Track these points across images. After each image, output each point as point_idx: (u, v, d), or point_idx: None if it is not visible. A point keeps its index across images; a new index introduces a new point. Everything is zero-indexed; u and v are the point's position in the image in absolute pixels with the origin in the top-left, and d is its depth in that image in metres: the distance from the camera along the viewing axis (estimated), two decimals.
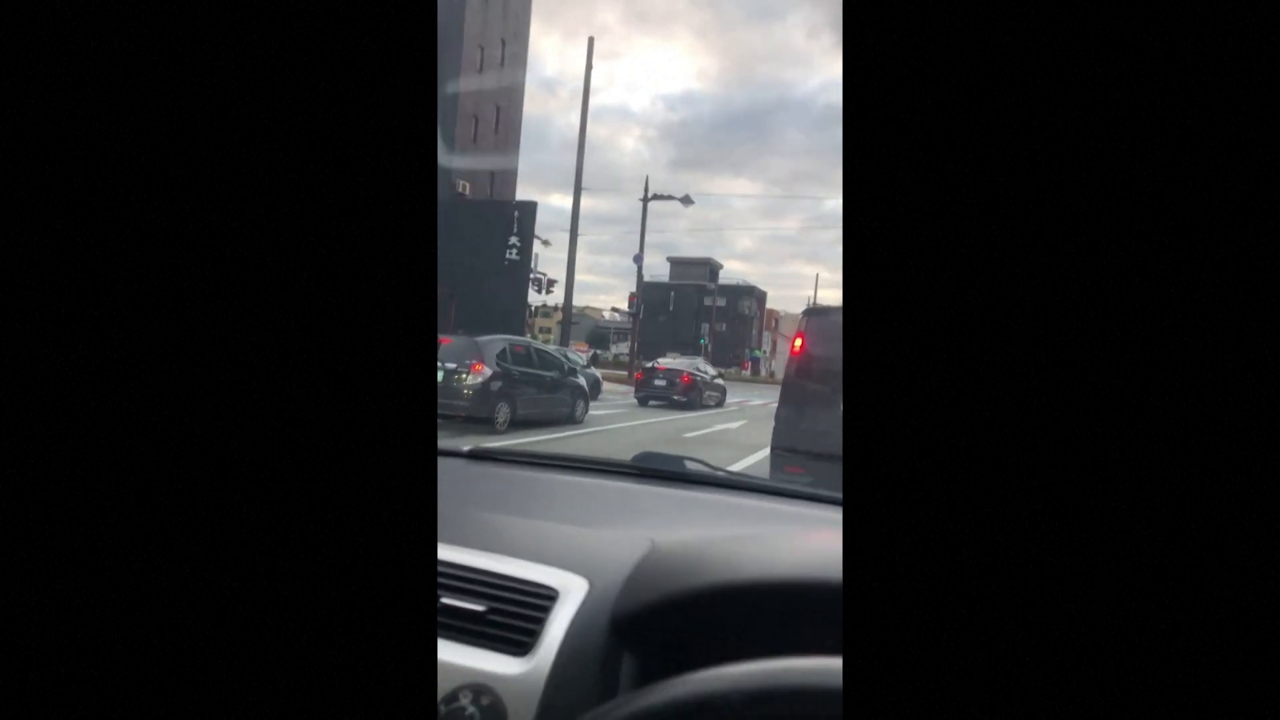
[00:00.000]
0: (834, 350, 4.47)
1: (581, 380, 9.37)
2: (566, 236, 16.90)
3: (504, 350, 7.82)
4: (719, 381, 14.69)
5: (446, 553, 0.76)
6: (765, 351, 53.61)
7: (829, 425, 4.26)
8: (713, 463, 1.31)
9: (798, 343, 4.55)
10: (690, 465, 1.29)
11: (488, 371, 7.36)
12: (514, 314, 17.93)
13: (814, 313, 4.82)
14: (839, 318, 4.70)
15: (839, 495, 1.24)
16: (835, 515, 1.13)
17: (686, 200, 19.22)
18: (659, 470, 1.24)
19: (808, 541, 0.83)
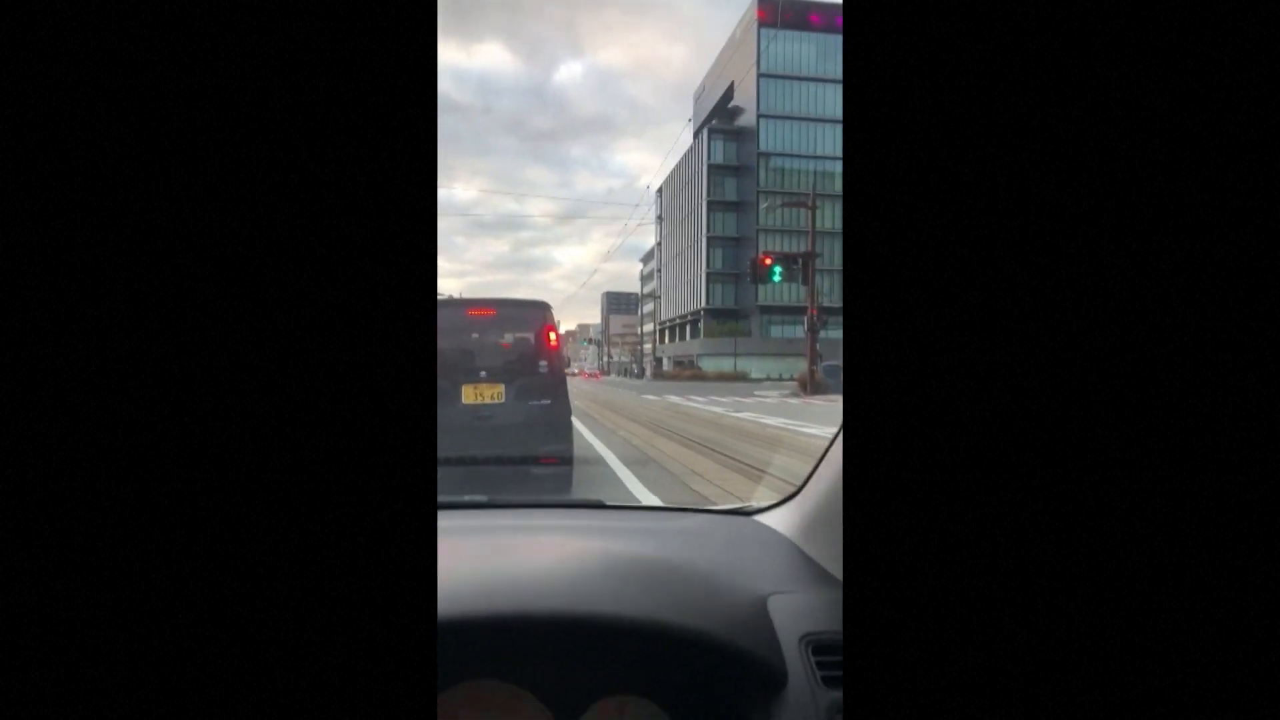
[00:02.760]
0: (446, 343, 4.43)
1: None
2: None
3: None
4: None
5: None
6: None
7: (449, 421, 4.19)
8: None
9: None
10: None
11: None
12: None
13: None
14: (450, 311, 4.67)
15: (480, 499, 1.19)
16: (472, 522, 1.07)
17: None
18: None
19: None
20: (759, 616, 0.77)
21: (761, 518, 1.13)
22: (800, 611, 0.79)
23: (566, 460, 4.37)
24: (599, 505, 1.25)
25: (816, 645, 0.74)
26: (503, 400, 4.32)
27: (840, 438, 0.93)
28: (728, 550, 1.00)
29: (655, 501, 4.16)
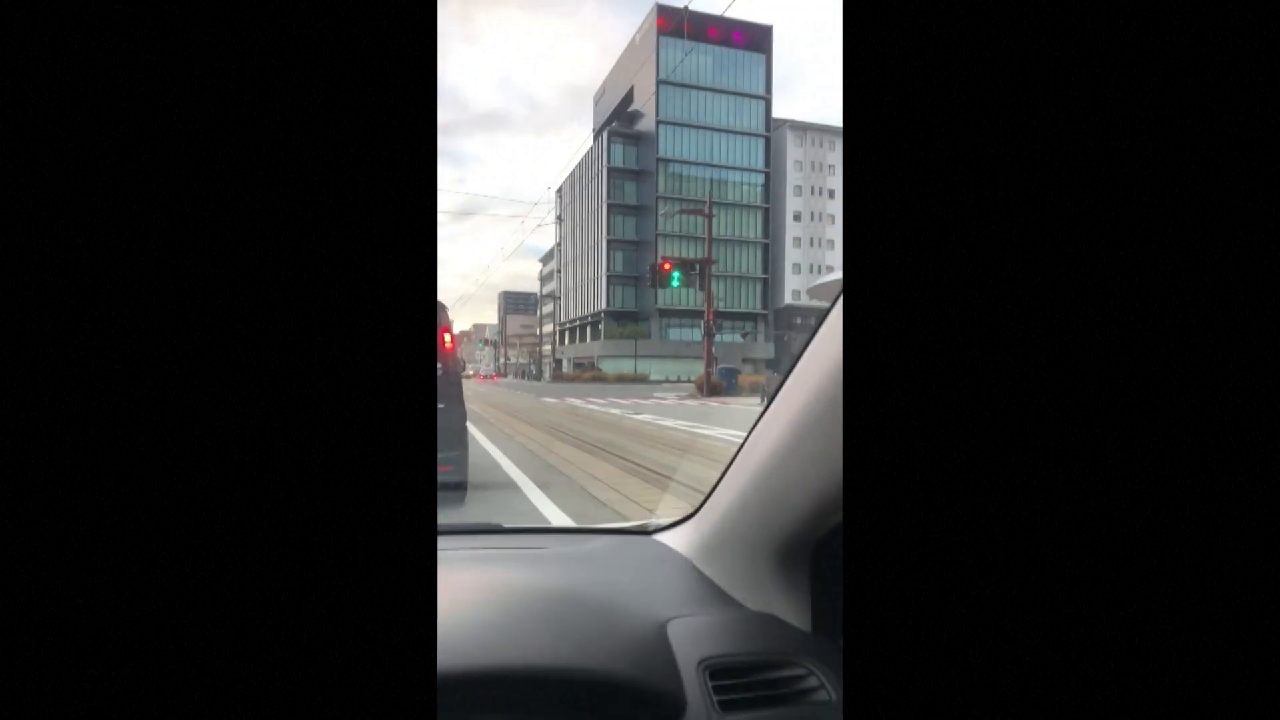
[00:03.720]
0: None
1: None
2: None
3: None
4: None
5: None
6: None
7: None
8: None
9: None
10: None
11: None
12: None
13: None
14: None
15: None
16: None
17: None
18: None
19: None
20: (659, 643, 0.78)
21: (661, 536, 1.13)
22: (699, 635, 0.80)
23: (461, 468, 4.24)
24: (497, 530, 1.21)
25: (714, 670, 0.75)
26: None
27: (736, 460, 0.93)
28: (629, 574, 1.01)
29: (553, 509, 4.10)
